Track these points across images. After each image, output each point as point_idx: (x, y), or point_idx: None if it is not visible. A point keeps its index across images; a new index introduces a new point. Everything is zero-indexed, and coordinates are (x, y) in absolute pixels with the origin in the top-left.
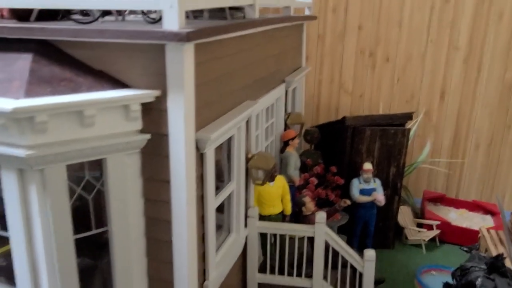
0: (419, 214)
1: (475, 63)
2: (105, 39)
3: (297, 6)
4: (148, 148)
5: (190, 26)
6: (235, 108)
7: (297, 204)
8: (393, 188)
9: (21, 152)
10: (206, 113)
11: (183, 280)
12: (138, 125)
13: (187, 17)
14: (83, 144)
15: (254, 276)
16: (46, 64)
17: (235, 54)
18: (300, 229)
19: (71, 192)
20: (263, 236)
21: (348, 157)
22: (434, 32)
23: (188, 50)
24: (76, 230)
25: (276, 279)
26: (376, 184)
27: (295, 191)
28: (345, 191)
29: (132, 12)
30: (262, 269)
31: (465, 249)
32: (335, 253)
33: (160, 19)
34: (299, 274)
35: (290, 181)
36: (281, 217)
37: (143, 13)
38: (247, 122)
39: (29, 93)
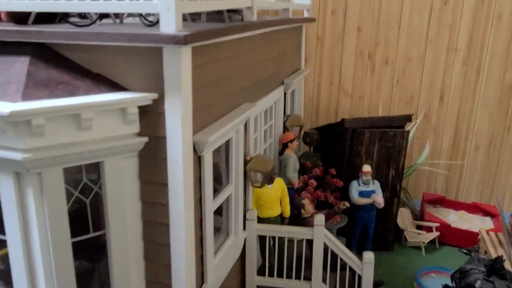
0: (418, 216)
1: (475, 65)
2: (102, 42)
3: (296, 8)
4: (146, 151)
5: (188, 29)
6: (233, 111)
7: (296, 206)
8: (392, 190)
9: (18, 156)
10: (204, 115)
11: (181, 283)
12: (136, 128)
13: (185, 19)
14: (80, 147)
15: (252, 279)
16: (44, 67)
17: (233, 56)
18: (299, 232)
19: (69, 195)
20: (261, 239)
21: (347, 159)
22: (434, 34)
23: (185, 53)
24: (74, 233)
25: (275, 281)
26: (375, 186)
27: (294, 193)
28: (344, 193)
29: (130, 15)
30: (260, 271)
31: (464, 251)
32: (334, 256)
33: (157, 22)
34: (298, 277)
35: (289, 184)
36: (280, 219)
37: (141, 16)
38: (246, 125)
39: (26, 96)
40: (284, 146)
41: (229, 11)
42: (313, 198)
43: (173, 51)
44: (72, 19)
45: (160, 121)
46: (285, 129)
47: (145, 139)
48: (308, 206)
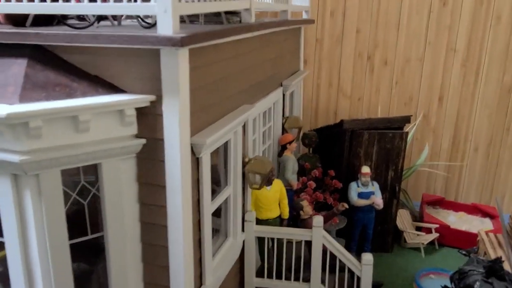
0: (418, 217)
1: (474, 66)
2: (99, 44)
3: (295, 10)
4: (144, 153)
5: (185, 30)
6: (231, 113)
7: (294, 208)
8: (391, 192)
9: (15, 158)
10: (202, 117)
11: (179, 285)
12: (133, 130)
13: (183, 21)
14: (78, 149)
15: (251, 281)
16: (41, 70)
17: (231, 58)
18: (298, 233)
19: (66, 197)
20: (260, 240)
21: (346, 161)
22: (432, 35)
23: (183, 55)
24: (72, 235)
25: (274, 283)
26: (374, 187)
27: (293, 195)
28: (343, 195)
29: (128, 17)
30: (259, 273)
31: (463, 252)
32: (333, 257)
33: (155, 24)
34: (296, 279)
35: (288, 185)
36: (279, 221)
37: (138, 18)
38: (244, 126)
39: (23, 99)
40: (283, 148)
41: (227, 13)
42: (312, 200)
43: (170, 53)
44: (70, 22)
45: (158, 123)
46: (284, 130)
47: (143, 141)
48: (307, 207)
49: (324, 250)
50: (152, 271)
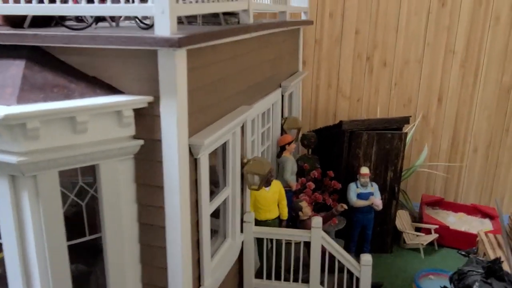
0: (417, 218)
1: (473, 67)
2: (97, 45)
3: (293, 11)
4: (142, 154)
5: (182, 31)
6: (229, 114)
7: (293, 208)
8: (390, 192)
9: (13, 159)
10: (200, 118)
11: (177, 286)
12: (131, 131)
13: (182, 22)
14: (75, 150)
15: (250, 282)
16: (39, 71)
17: (230, 59)
18: (296, 234)
19: (64, 198)
20: (259, 242)
21: (345, 162)
22: (431, 36)
23: (180, 56)
24: (70, 237)
25: (273, 284)
26: (374, 188)
27: (292, 196)
28: (342, 196)
29: (127, 18)
30: (258, 274)
31: (462, 253)
32: (332, 258)
33: (153, 25)
34: (295, 280)
35: (287, 186)
36: (278, 222)
37: (136, 18)
38: (242, 127)
39: (21, 100)
40: (282, 149)
41: (225, 14)
42: (311, 201)
43: (168, 54)
44: (68, 23)
45: (156, 124)
46: (283, 131)
47: (141, 141)
48: (306, 208)
49: (323, 251)
50: (150, 272)
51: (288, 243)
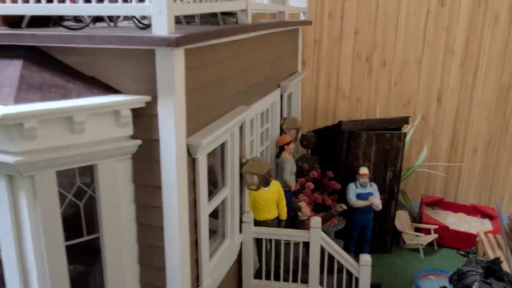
0: (417, 218)
1: (472, 67)
2: (95, 44)
3: (292, 11)
4: (140, 154)
5: (180, 31)
6: (228, 113)
7: (292, 209)
8: (390, 193)
9: (10, 159)
10: (198, 118)
11: (176, 286)
12: (129, 130)
13: (180, 22)
14: (73, 150)
15: (249, 282)
16: (37, 71)
17: (228, 59)
18: (295, 234)
19: (62, 198)
20: (258, 242)
21: (344, 162)
22: (430, 36)
23: (178, 55)
24: (68, 237)
25: (272, 284)
26: (373, 188)
27: (291, 196)
28: (341, 196)
29: (125, 18)
30: (257, 275)
31: (462, 253)
32: (331, 258)
33: (151, 24)
34: (294, 280)
35: (286, 186)
36: (277, 222)
37: (134, 18)
38: (241, 127)
39: (18, 100)
40: (281, 149)
41: (223, 14)
42: (311, 201)
43: (166, 53)
44: (66, 23)
45: (154, 124)
46: (282, 131)
47: (139, 141)
48: (305, 208)
49: (322, 251)
50: (148, 272)
51: (287, 244)
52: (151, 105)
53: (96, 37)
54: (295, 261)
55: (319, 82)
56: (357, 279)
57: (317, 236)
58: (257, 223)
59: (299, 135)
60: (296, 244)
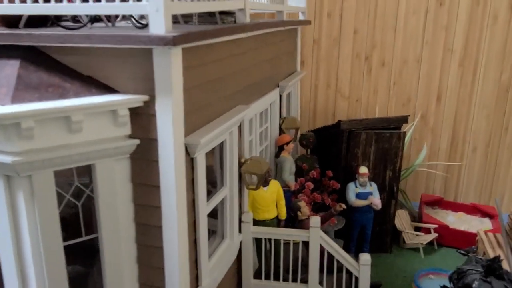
0: (417, 218)
1: (471, 66)
2: (92, 44)
3: (290, 11)
4: (138, 153)
5: (177, 30)
6: (226, 113)
7: (292, 208)
8: (389, 192)
9: (7, 159)
10: (196, 117)
11: (174, 286)
12: (127, 130)
13: (178, 22)
14: (71, 150)
15: (249, 282)
16: (34, 70)
17: (226, 58)
18: (295, 234)
19: (60, 198)
20: (258, 242)
21: (344, 161)
22: (429, 36)
23: (176, 54)
24: (67, 238)
25: (271, 284)
26: (372, 187)
27: (291, 196)
28: (341, 196)
29: (123, 18)
30: (257, 274)
31: (462, 252)
32: (331, 258)
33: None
34: (294, 280)
35: (286, 186)
36: (276, 222)
37: (132, 17)
38: (240, 127)
39: (16, 99)
40: (280, 149)
41: (221, 13)
42: (310, 201)
43: (163, 53)
44: (65, 23)
45: (152, 123)
46: (281, 131)
47: (137, 141)
48: (304, 208)
49: (322, 250)
50: (147, 272)
51: (287, 243)
52: (149, 105)
53: (94, 36)
54: (295, 261)
55: (318, 82)
56: (357, 279)
57: (316, 236)
58: (256, 222)
59: (299, 135)
60: (296, 244)
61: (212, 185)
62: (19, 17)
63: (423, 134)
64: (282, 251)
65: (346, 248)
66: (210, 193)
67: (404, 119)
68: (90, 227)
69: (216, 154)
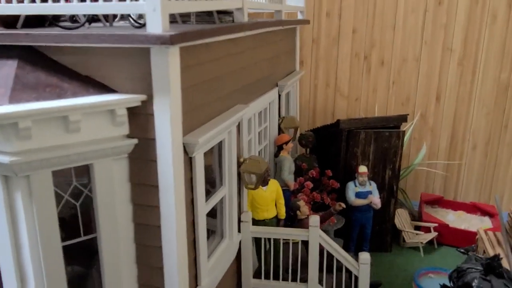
0: (416, 216)
1: (470, 65)
2: (90, 44)
3: (289, 10)
4: (136, 153)
5: (175, 29)
6: (225, 112)
7: (291, 208)
8: (389, 191)
9: (5, 159)
10: (194, 117)
11: (173, 286)
12: (125, 130)
13: (176, 22)
14: (69, 150)
15: (248, 282)
16: (32, 71)
17: (224, 58)
18: (294, 233)
19: (59, 198)
20: (257, 241)
21: (343, 161)
22: (428, 35)
23: (173, 54)
24: (65, 237)
25: (271, 284)
26: (372, 187)
27: (290, 195)
28: (341, 195)
29: (122, 18)
30: (256, 274)
31: (461, 250)
32: (330, 257)
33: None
34: (294, 279)
35: (285, 186)
36: (276, 221)
37: (129, 17)
38: (238, 126)
39: (13, 99)
40: (279, 148)
41: (219, 12)
42: (310, 200)
43: (161, 52)
44: (63, 24)
45: (149, 123)
46: (280, 131)
47: (135, 141)
48: (303, 207)
49: (321, 250)
50: (146, 272)
51: (286, 243)
52: (147, 104)
53: (91, 36)
54: (294, 260)
55: (318, 82)
56: (356, 278)
57: (316, 235)
58: (255, 222)
59: (298, 134)
60: (295, 243)
61: (211, 185)
62: (16, 18)
63: (423, 133)
64: (282, 251)
65: (346, 248)
66: (209, 193)
67: (403, 118)
68: (88, 227)
69: (215, 154)
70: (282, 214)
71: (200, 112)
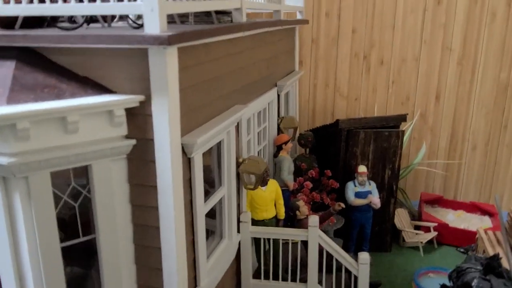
0: (416, 216)
1: (470, 64)
2: (88, 44)
3: (288, 10)
4: (134, 154)
5: (172, 30)
6: (224, 113)
7: (291, 208)
8: (388, 191)
9: (3, 160)
10: (193, 117)
11: (173, 287)
12: (123, 130)
13: (174, 22)
14: (67, 151)
15: (248, 282)
16: (29, 71)
17: (223, 58)
18: (294, 233)
19: (57, 199)
20: (256, 241)
21: (342, 160)
22: (428, 34)
23: (171, 54)
24: (64, 238)
25: (271, 284)
26: (372, 186)
27: (289, 195)
28: (340, 195)
29: (120, 19)
30: (256, 274)
31: (461, 250)
32: (330, 257)
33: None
34: (293, 279)
35: (284, 186)
36: (275, 221)
37: (127, 17)
38: (237, 127)
39: (11, 100)
40: (278, 148)
41: (218, 12)
42: (309, 200)
43: (158, 52)
44: (61, 24)
45: (148, 123)
46: (280, 131)
47: (133, 141)
48: (303, 207)
49: (321, 250)
50: (145, 273)
51: (286, 243)
52: (145, 105)
53: (89, 36)
54: (294, 261)
55: (317, 81)
56: (356, 278)
57: (315, 235)
58: (255, 222)
59: (297, 134)
60: (295, 244)
61: (210, 185)
62: (15, 19)
63: (422, 132)
64: (281, 251)
65: (346, 248)
66: (208, 193)
67: (403, 118)
68: (87, 228)
69: (214, 154)
70: (282, 214)
71: (198, 112)
